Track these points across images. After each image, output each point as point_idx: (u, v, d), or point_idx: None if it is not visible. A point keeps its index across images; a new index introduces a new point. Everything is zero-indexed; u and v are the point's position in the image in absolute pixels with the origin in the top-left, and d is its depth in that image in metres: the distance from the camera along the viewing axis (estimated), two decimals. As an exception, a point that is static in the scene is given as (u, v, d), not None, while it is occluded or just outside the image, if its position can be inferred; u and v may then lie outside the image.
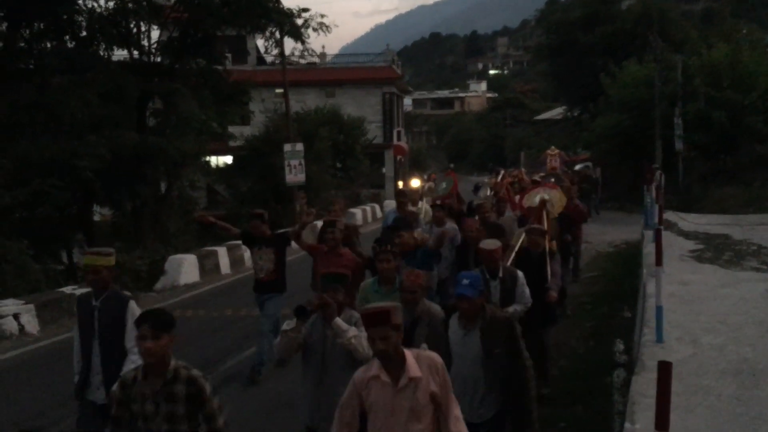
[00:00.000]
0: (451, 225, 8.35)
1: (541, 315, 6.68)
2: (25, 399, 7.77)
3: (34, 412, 7.30)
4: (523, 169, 15.09)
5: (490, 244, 6.20)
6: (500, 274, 6.06)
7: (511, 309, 5.82)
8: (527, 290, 6.14)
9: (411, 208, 10.00)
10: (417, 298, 4.99)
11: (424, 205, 10.69)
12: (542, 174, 20.81)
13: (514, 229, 8.32)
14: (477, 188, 20.25)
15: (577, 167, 27.54)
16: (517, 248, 7.22)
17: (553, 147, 24.03)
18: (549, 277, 6.94)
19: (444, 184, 10.87)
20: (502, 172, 21.60)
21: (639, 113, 26.47)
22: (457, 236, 8.07)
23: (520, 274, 6.18)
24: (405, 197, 9.82)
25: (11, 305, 10.84)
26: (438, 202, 9.51)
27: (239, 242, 17.56)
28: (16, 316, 10.65)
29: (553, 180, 16.20)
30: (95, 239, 19.22)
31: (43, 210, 17.60)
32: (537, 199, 8.44)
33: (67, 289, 12.25)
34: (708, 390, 5.27)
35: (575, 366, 7.97)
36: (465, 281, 4.52)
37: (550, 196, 8.52)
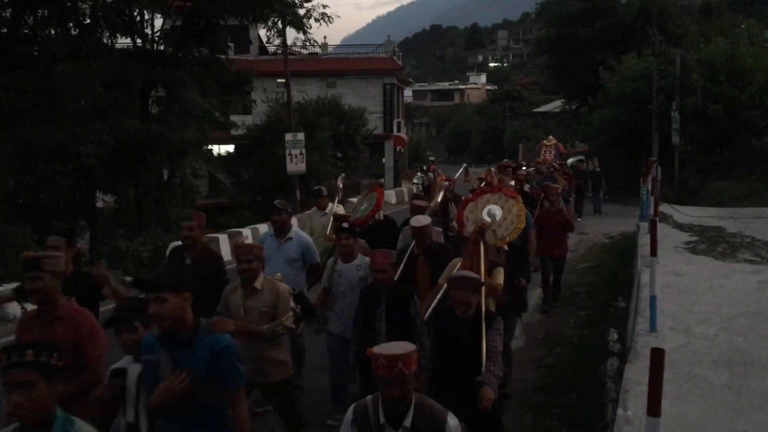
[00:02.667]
0: (362, 259, 6.19)
1: None
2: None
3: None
4: (492, 168, 12.52)
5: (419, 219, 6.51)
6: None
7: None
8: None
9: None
10: (388, 277, 5.52)
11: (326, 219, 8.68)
12: (529, 167, 19.95)
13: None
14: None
15: (570, 161, 26.05)
16: (434, 303, 5.49)
17: (551, 137, 22.74)
18: (483, 360, 4.62)
19: (365, 204, 8.12)
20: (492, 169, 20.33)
21: (637, 107, 26.56)
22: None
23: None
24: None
25: (11, 293, 10.92)
26: (345, 224, 6.63)
27: (240, 229, 17.87)
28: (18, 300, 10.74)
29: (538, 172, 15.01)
30: (98, 226, 19.34)
31: (46, 196, 17.72)
32: (483, 216, 6.07)
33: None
34: (700, 379, 5.38)
35: (570, 354, 8.11)
36: None
37: (502, 215, 6.07)
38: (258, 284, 5.12)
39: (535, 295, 10.40)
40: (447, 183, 9.24)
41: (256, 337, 4.98)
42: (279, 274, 5.83)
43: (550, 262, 10.37)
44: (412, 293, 5.60)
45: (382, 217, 8.42)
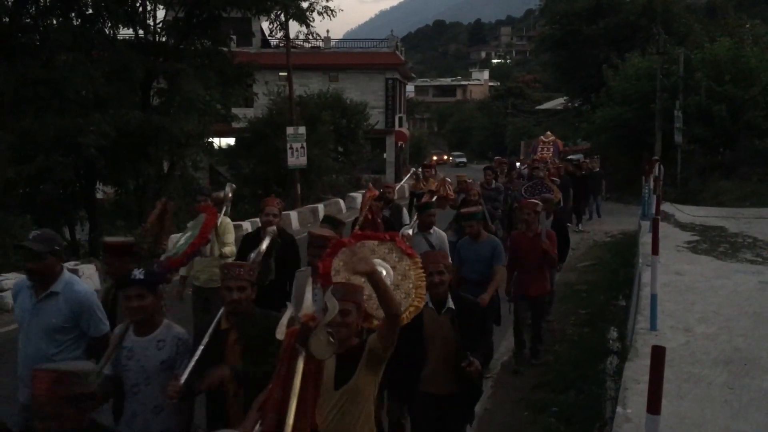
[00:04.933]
0: (168, 330, 3.99)
1: None
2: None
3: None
4: (447, 179, 10.30)
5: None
6: None
7: None
8: None
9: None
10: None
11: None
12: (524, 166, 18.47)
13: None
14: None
15: (571, 157, 25.10)
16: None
17: (548, 133, 21.33)
18: None
19: (188, 233, 5.24)
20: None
21: (640, 105, 26.54)
22: None
23: None
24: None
25: (14, 279, 10.96)
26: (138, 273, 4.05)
27: (241, 222, 17.82)
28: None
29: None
30: (98, 217, 19.34)
31: (46, 186, 17.71)
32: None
33: (69, 265, 12.34)
34: (700, 378, 5.36)
35: (569, 352, 8.09)
36: None
37: (392, 281, 4.10)
38: None
39: (504, 346, 8.34)
40: (370, 195, 7.40)
41: None
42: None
43: (526, 303, 7.66)
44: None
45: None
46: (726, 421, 4.62)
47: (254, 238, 6.55)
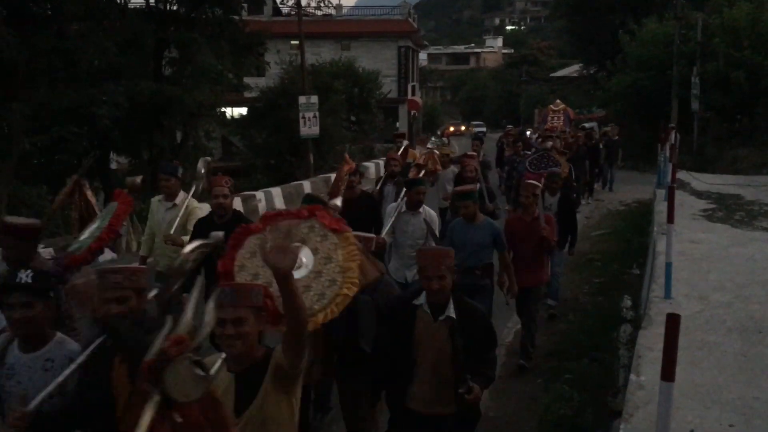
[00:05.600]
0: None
1: None
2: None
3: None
4: (435, 150, 9.77)
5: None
6: None
7: None
8: None
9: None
10: None
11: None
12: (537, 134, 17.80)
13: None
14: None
15: (587, 125, 24.56)
16: None
17: (558, 101, 20.51)
18: None
19: (95, 224, 4.61)
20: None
21: (656, 72, 26.15)
22: None
23: None
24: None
25: (32, 248, 11.06)
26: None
27: (254, 192, 17.88)
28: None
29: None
30: (112, 187, 19.44)
31: (61, 157, 17.81)
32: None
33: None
34: (714, 345, 5.37)
35: (582, 321, 8.08)
36: None
37: (313, 266, 3.63)
38: None
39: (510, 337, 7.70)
40: (347, 168, 6.87)
41: None
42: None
43: (519, 294, 6.75)
44: None
45: (358, 192, 7.01)
46: (740, 388, 4.62)
47: (207, 224, 5.58)
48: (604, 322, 7.81)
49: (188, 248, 3.51)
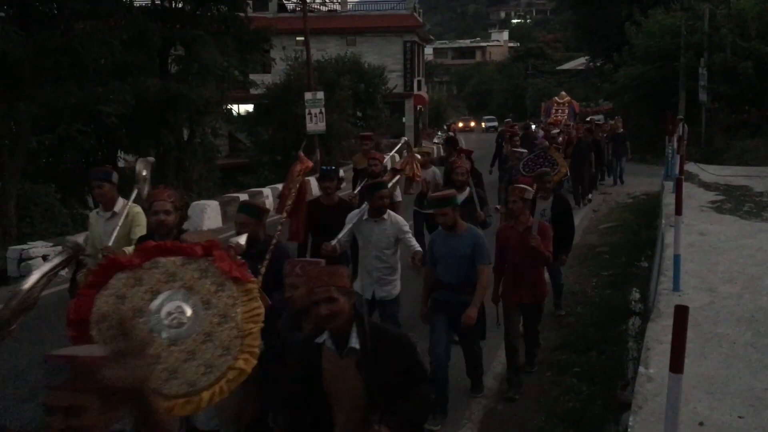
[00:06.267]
0: None
1: None
2: (53, 338, 8.03)
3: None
4: (417, 155, 8.75)
5: None
6: None
7: None
8: None
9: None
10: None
11: None
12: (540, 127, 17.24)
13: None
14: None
15: (593, 118, 24.34)
16: None
17: (563, 93, 20.15)
18: None
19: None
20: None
21: (663, 64, 26.05)
22: None
23: None
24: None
25: (40, 247, 11.13)
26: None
27: (261, 189, 17.92)
28: (44, 258, 10.94)
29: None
30: (121, 185, 19.51)
31: (69, 155, 17.91)
32: (150, 317, 2.77)
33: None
34: (723, 337, 5.34)
35: (590, 313, 8.05)
36: None
37: (190, 325, 2.76)
38: None
39: (495, 366, 6.65)
40: (302, 168, 6.15)
41: None
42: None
43: (518, 313, 6.11)
44: None
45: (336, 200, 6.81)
46: (749, 380, 4.60)
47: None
48: (613, 315, 7.80)
49: (31, 279, 2.87)
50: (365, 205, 5.97)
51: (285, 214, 5.70)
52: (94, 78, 16.32)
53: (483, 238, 5.51)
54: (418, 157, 8.39)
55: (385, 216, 5.86)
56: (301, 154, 6.22)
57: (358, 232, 5.93)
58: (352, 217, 5.99)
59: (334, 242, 5.75)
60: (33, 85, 15.04)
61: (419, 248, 5.97)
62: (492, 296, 6.05)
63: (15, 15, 15.03)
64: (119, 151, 20.17)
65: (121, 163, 21.10)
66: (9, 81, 14.51)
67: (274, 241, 4.58)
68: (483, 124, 62.04)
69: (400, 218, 6.03)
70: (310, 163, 6.07)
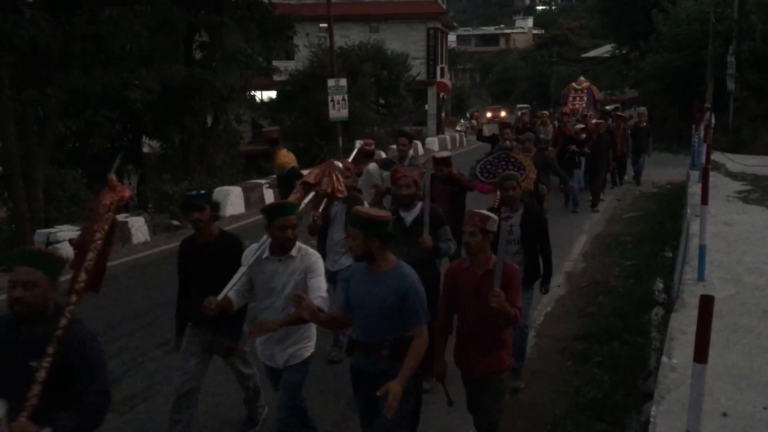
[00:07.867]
0: None
1: None
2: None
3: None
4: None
5: None
6: None
7: None
8: None
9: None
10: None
11: None
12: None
13: None
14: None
15: (608, 108, 23.06)
16: None
17: (582, 78, 18.45)
18: None
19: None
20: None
21: (691, 52, 25.67)
22: None
23: None
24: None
25: (67, 231, 11.30)
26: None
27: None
28: (71, 242, 11.08)
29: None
30: (145, 170, 19.76)
31: (95, 141, 18.13)
32: None
33: (119, 217, 12.68)
34: (748, 329, 5.32)
35: (613, 303, 8.01)
36: None
37: None
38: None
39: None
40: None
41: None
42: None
43: (469, 387, 4.33)
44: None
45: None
46: (774, 371, 4.58)
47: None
48: (635, 305, 7.75)
49: None
50: (265, 238, 4.30)
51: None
52: (120, 64, 16.47)
53: (416, 283, 3.69)
54: (339, 165, 6.04)
55: (294, 252, 4.27)
56: (113, 178, 3.84)
57: (255, 275, 4.33)
58: (248, 255, 4.35)
59: (220, 297, 4.15)
60: (61, 72, 15.21)
61: (324, 296, 4.14)
62: (435, 367, 4.27)
63: (43, 2, 15.18)
64: (144, 136, 20.35)
65: (145, 149, 21.35)
66: (37, 67, 14.69)
67: (64, 320, 3.06)
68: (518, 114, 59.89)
69: (313, 254, 4.37)
70: (127, 192, 3.87)
